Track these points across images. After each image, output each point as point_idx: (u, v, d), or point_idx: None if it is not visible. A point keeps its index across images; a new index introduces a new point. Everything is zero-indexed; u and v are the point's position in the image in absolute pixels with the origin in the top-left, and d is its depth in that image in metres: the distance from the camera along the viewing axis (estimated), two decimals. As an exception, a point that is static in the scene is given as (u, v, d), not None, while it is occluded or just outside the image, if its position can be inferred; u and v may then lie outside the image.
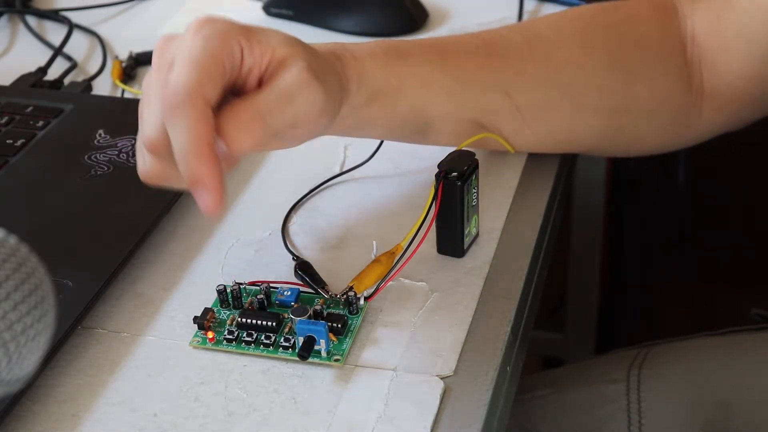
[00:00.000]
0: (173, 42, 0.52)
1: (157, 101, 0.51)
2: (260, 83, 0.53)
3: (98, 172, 0.65)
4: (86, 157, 0.66)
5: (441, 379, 0.51)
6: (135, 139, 0.67)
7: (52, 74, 0.80)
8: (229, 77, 0.52)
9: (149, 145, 0.52)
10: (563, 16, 0.69)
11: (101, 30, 0.88)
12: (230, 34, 0.51)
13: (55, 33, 0.87)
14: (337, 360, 0.52)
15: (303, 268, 0.57)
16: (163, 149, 0.51)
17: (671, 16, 0.69)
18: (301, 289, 0.56)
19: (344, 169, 0.67)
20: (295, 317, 0.53)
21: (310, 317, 0.53)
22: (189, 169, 0.49)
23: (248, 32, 0.52)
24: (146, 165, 0.53)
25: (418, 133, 0.64)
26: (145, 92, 0.52)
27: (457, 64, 0.63)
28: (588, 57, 0.66)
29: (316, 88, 0.53)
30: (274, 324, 0.53)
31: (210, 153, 0.49)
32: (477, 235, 0.61)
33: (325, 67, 0.55)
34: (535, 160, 0.68)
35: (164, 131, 0.50)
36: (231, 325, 0.54)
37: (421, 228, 0.56)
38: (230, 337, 0.54)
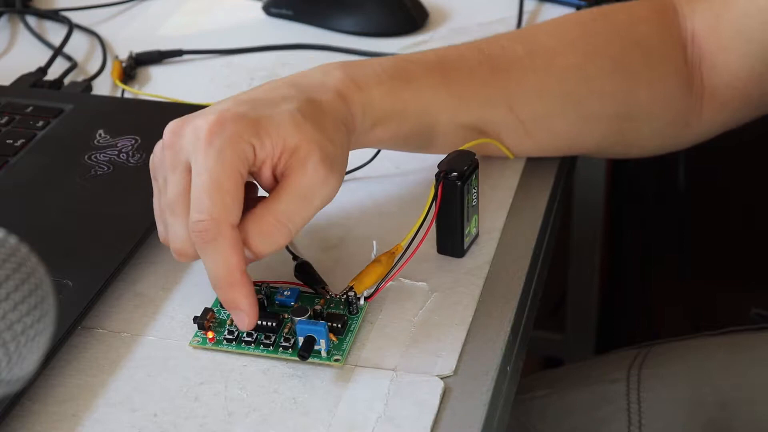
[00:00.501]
0: (184, 136, 0.53)
1: (182, 211, 0.52)
2: (274, 171, 0.53)
3: (98, 172, 0.65)
4: (86, 157, 0.66)
5: (441, 379, 0.51)
6: (135, 139, 0.67)
7: (52, 74, 0.80)
8: (246, 178, 0.53)
9: (178, 256, 0.54)
10: (563, 23, 0.68)
11: (101, 30, 0.88)
12: (241, 137, 0.52)
13: (55, 33, 0.87)
14: (337, 360, 0.52)
15: (303, 268, 0.57)
16: (193, 256, 0.53)
17: (671, 17, 0.69)
18: (301, 289, 0.56)
19: (344, 169, 0.67)
20: (295, 317, 0.53)
21: (310, 317, 0.53)
22: (224, 295, 0.52)
23: (257, 128, 0.52)
24: (169, 236, 0.54)
25: (421, 147, 0.64)
26: (166, 193, 0.53)
27: (460, 82, 0.63)
28: (590, 64, 0.66)
29: (333, 179, 0.53)
30: (274, 324, 0.53)
31: (242, 280, 0.52)
32: (477, 235, 0.61)
33: (331, 138, 0.54)
34: (535, 160, 0.68)
35: (192, 243, 0.52)
36: (231, 325, 0.54)
37: (421, 228, 0.56)
38: (230, 337, 0.54)
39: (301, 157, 0.52)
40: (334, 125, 0.55)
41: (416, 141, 0.63)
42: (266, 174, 0.53)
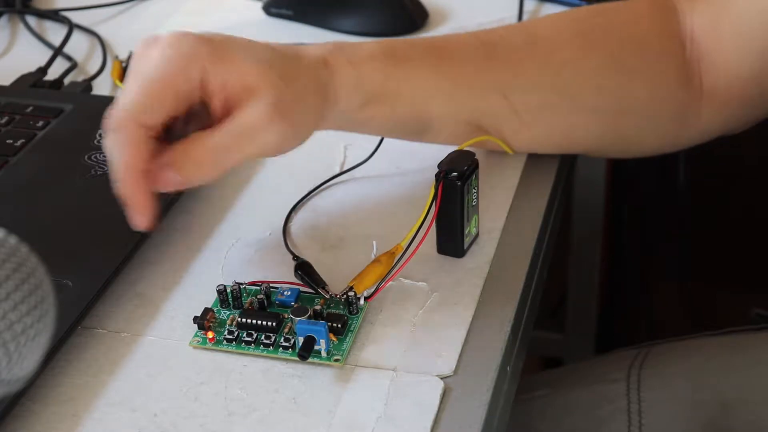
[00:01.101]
0: (152, 45, 0.53)
1: None
2: (225, 106, 0.53)
3: (98, 172, 0.65)
4: (86, 157, 0.66)
5: (441, 379, 0.51)
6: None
7: (52, 74, 0.80)
8: (185, 102, 0.52)
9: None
10: (563, 18, 0.69)
11: (101, 30, 0.88)
12: (192, 58, 0.52)
13: (55, 33, 0.87)
14: (337, 360, 0.52)
15: (303, 268, 0.57)
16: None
17: (671, 15, 0.69)
18: (301, 289, 0.56)
19: (344, 169, 0.67)
20: (295, 317, 0.53)
21: (310, 317, 0.53)
22: (119, 188, 0.52)
23: (217, 56, 0.52)
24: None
25: (415, 133, 0.64)
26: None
27: (456, 66, 0.63)
28: (587, 58, 0.66)
29: (278, 127, 0.53)
30: (274, 324, 0.53)
31: (136, 180, 0.51)
32: (477, 235, 0.61)
33: (298, 94, 0.54)
34: (535, 160, 0.68)
35: None
36: (231, 325, 0.54)
37: (421, 228, 0.56)
38: (230, 337, 0.54)
39: (253, 96, 0.52)
40: (304, 83, 0.55)
41: (409, 126, 0.63)
42: (215, 108, 0.53)
